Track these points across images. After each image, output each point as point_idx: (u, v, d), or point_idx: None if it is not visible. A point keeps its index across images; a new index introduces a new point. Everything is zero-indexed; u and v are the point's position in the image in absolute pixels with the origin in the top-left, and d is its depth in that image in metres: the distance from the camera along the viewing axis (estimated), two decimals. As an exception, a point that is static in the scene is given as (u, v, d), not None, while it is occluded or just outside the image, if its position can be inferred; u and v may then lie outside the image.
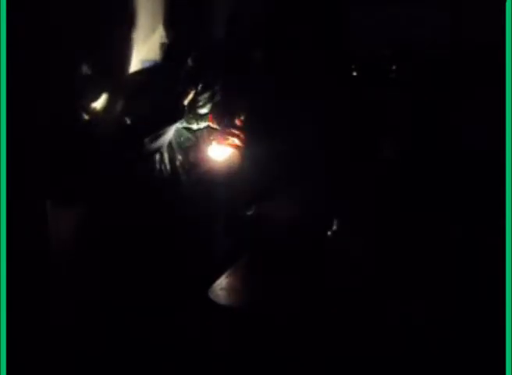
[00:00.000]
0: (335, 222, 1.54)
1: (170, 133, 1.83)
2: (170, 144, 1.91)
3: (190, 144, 1.93)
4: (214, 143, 1.92)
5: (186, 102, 1.85)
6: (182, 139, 1.94)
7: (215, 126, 1.94)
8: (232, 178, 1.91)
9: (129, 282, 2.03)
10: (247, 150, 1.92)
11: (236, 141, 1.90)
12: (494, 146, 1.47)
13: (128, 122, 1.83)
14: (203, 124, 1.94)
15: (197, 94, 1.86)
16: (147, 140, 1.75)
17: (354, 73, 2.16)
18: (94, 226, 1.93)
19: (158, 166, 1.91)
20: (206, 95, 1.88)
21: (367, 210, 1.69)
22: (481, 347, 1.25)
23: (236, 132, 1.92)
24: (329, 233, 1.53)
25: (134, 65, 1.93)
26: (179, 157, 1.92)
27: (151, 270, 2.05)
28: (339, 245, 1.51)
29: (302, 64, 2.16)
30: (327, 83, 2.18)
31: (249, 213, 1.74)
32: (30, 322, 1.79)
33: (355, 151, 2.17)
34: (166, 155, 1.91)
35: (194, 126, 1.93)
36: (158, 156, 1.90)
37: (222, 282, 1.55)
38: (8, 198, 1.49)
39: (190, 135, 1.94)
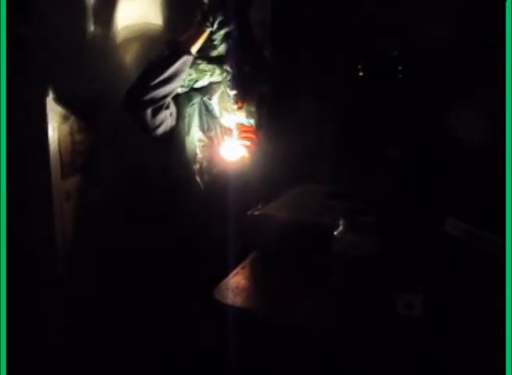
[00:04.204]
0: (341, 222, 1.53)
1: (179, 79, 1.79)
2: (183, 143, 1.89)
3: (204, 145, 1.91)
4: (228, 141, 1.89)
5: (198, 41, 1.79)
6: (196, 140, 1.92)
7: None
8: (245, 177, 1.89)
9: (132, 282, 2.03)
10: (260, 148, 1.90)
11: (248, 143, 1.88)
12: (497, 146, 1.46)
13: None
14: (206, 77, 1.86)
15: (211, 33, 1.79)
16: (155, 84, 1.72)
17: (361, 73, 2.16)
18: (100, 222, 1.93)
19: (173, 164, 1.90)
20: (221, 33, 1.80)
21: (372, 210, 1.69)
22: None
23: (251, 127, 1.90)
24: (335, 233, 1.52)
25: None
26: (194, 158, 1.90)
27: (155, 270, 2.05)
28: (342, 245, 1.50)
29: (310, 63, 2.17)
30: (334, 83, 2.18)
31: (256, 213, 1.73)
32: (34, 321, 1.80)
33: (362, 151, 2.18)
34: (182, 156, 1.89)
35: (203, 81, 1.86)
36: (175, 155, 1.88)
37: (227, 282, 1.54)
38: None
39: (203, 137, 1.91)
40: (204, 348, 1.80)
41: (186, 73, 1.81)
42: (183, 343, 1.95)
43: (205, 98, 1.94)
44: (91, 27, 1.85)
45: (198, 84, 1.91)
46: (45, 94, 1.71)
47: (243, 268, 1.63)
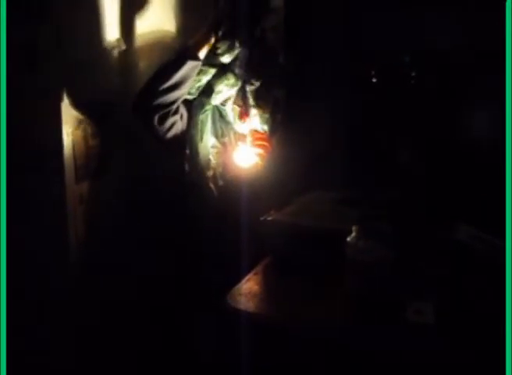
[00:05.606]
0: (354, 228, 1.53)
1: (187, 85, 1.78)
2: (195, 150, 1.88)
3: (218, 151, 1.91)
4: (241, 147, 1.89)
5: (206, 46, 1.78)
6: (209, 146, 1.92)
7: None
8: (258, 183, 1.90)
9: (143, 285, 2.04)
10: (273, 155, 1.90)
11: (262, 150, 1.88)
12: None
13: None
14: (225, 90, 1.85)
15: (217, 40, 1.78)
16: (163, 89, 1.72)
17: (374, 80, 2.16)
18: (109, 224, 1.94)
19: (186, 170, 1.90)
20: (226, 42, 1.78)
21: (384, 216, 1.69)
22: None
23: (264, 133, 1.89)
24: (348, 239, 1.52)
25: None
26: (208, 164, 1.90)
27: (167, 273, 2.06)
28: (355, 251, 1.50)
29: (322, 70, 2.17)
30: (347, 88, 2.18)
31: (269, 219, 1.74)
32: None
33: (373, 156, 2.18)
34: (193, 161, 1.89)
35: (223, 94, 1.85)
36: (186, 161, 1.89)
37: (240, 287, 1.54)
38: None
39: (216, 143, 1.90)
40: (215, 352, 1.80)
41: (194, 79, 1.80)
42: (192, 347, 1.96)
43: (219, 104, 1.93)
44: (107, 32, 1.86)
45: (218, 100, 1.89)
46: (59, 99, 1.72)
47: (255, 274, 1.64)
